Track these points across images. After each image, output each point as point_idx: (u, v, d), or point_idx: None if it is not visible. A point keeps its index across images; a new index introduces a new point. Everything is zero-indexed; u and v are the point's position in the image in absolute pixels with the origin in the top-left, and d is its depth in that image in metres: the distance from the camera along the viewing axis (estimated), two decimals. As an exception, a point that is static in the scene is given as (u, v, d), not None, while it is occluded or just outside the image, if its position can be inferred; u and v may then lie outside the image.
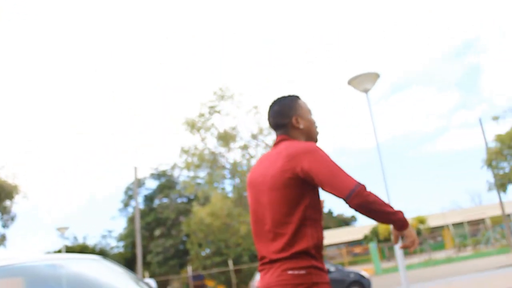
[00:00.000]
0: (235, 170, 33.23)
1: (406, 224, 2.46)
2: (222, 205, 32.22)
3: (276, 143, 2.74)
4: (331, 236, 47.79)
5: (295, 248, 2.44)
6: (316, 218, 2.53)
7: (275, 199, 2.52)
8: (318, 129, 2.82)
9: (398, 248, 9.49)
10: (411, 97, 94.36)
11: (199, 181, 34.36)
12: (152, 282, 4.95)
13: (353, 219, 63.74)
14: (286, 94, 2.83)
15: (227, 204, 32.27)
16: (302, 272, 2.42)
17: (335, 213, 64.41)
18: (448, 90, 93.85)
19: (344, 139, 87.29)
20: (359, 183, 2.37)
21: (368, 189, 2.38)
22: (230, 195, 33.50)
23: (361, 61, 59.32)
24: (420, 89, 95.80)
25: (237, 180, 33.67)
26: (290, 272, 2.42)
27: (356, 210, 2.36)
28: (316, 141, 2.80)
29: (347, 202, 2.35)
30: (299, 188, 2.49)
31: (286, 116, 2.74)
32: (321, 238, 2.53)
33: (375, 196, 2.37)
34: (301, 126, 2.74)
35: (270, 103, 2.82)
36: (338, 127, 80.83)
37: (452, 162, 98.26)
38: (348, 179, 2.38)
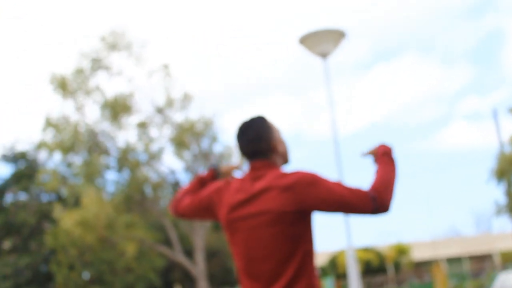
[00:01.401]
0: (124, 158, 22.45)
1: (390, 155, 2.49)
2: (99, 211, 21.78)
3: (255, 170, 2.49)
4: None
5: (298, 286, 2.37)
6: (313, 251, 2.46)
7: (275, 236, 2.37)
8: (289, 148, 2.64)
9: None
10: (401, 70, 65.00)
11: (69, 171, 23.52)
12: None
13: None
14: (251, 116, 2.58)
15: (106, 210, 21.77)
16: None
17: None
18: (456, 64, 65.74)
19: (299, 124, 67.47)
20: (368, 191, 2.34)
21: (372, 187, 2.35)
22: (112, 196, 22.98)
23: (324, 15, 46.47)
24: (415, 60, 66.18)
25: (126, 174, 22.86)
26: None
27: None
28: (288, 161, 2.63)
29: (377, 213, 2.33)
30: (300, 223, 2.38)
31: (266, 140, 2.52)
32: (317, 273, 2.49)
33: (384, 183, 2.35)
34: (280, 150, 2.56)
35: (238, 128, 2.57)
36: (292, 108, 65.42)
37: (452, 168, 70.53)
38: (360, 192, 2.33)
